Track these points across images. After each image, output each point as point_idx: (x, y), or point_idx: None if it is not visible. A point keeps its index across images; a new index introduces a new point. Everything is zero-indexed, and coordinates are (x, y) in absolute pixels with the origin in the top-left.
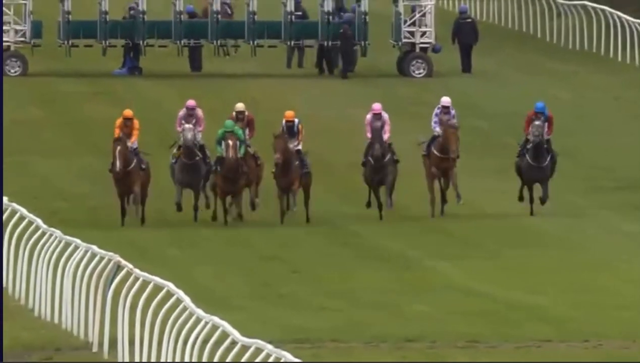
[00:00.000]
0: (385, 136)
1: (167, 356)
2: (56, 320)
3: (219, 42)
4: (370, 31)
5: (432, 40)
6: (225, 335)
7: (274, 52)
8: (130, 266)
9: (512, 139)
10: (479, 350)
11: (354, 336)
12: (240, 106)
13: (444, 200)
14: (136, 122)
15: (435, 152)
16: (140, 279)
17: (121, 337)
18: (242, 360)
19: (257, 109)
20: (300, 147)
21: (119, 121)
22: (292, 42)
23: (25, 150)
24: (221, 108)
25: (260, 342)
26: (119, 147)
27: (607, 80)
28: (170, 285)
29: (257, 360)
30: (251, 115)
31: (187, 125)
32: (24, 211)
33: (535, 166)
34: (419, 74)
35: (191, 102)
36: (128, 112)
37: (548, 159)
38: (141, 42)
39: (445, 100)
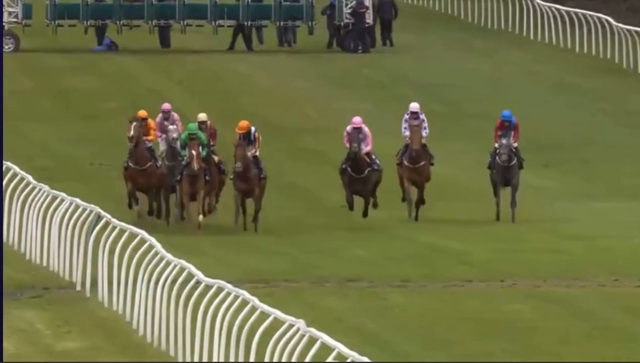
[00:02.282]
0: (367, 148)
1: (141, 294)
2: (45, 263)
3: (185, 22)
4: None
5: (370, 21)
6: (190, 276)
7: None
8: (109, 216)
9: (439, 106)
10: (410, 289)
11: (302, 277)
12: (202, 116)
13: (418, 205)
14: (151, 122)
15: (407, 163)
16: (118, 228)
17: (101, 278)
18: (206, 298)
19: (217, 80)
20: (257, 153)
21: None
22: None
23: (17, 116)
24: (188, 78)
25: (221, 282)
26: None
27: (522, 56)
28: (144, 233)
29: (218, 298)
30: (213, 126)
31: (171, 126)
32: (16, 168)
33: (505, 167)
34: (359, 50)
35: (166, 106)
36: (143, 113)
37: (515, 160)
38: (118, 22)
39: (414, 105)
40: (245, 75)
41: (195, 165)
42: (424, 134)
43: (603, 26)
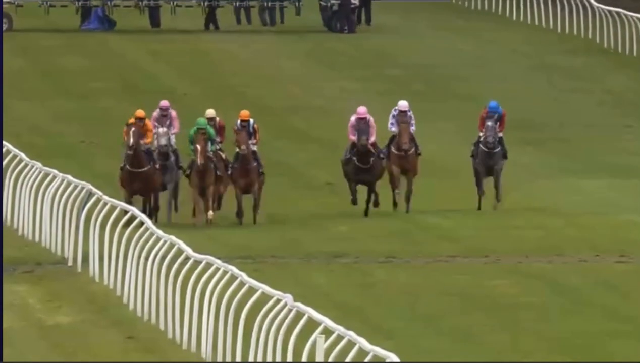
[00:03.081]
0: (372, 138)
1: (132, 269)
2: (37, 239)
3: (174, 2)
4: None
5: (356, 2)
6: (180, 251)
7: (221, 11)
8: (100, 193)
9: (423, 86)
10: (395, 264)
11: (290, 253)
12: (210, 112)
13: (408, 196)
14: (149, 123)
15: (394, 150)
16: (109, 204)
17: (92, 253)
18: (195, 273)
19: (206, 59)
20: (256, 148)
21: (132, 120)
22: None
23: (9, 94)
24: (177, 55)
25: (210, 258)
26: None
27: (505, 36)
28: (134, 209)
29: (207, 273)
30: (222, 122)
31: (160, 129)
32: (9, 146)
33: (488, 153)
34: (345, 30)
35: (164, 103)
36: (140, 113)
37: (499, 148)
38: (109, 2)
39: (403, 104)
40: (234, 54)
41: (200, 160)
42: (412, 129)
43: (584, 7)
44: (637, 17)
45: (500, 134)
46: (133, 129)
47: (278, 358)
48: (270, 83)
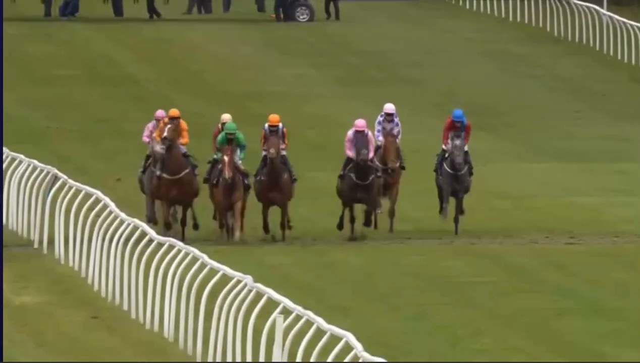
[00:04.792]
0: (370, 154)
1: (96, 251)
2: (4, 222)
3: None
4: None
5: None
6: (143, 234)
7: (181, 1)
8: (65, 177)
9: (379, 72)
10: (352, 245)
11: (249, 235)
12: (226, 117)
13: (391, 214)
14: (184, 123)
15: (377, 163)
16: (74, 188)
17: (58, 236)
18: (158, 255)
19: (169, 47)
20: (285, 153)
21: (162, 123)
22: None
23: None
24: (139, 43)
25: (172, 240)
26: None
27: (458, 25)
28: (99, 193)
29: (169, 255)
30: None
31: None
32: None
33: (454, 175)
34: (303, 19)
35: (160, 112)
36: (174, 112)
37: (466, 168)
38: None
39: (389, 107)
40: (195, 43)
41: (227, 173)
42: (397, 140)
43: None
44: (586, 6)
45: (466, 148)
46: (170, 125)
47: (238, 337)
48: (230, 69)
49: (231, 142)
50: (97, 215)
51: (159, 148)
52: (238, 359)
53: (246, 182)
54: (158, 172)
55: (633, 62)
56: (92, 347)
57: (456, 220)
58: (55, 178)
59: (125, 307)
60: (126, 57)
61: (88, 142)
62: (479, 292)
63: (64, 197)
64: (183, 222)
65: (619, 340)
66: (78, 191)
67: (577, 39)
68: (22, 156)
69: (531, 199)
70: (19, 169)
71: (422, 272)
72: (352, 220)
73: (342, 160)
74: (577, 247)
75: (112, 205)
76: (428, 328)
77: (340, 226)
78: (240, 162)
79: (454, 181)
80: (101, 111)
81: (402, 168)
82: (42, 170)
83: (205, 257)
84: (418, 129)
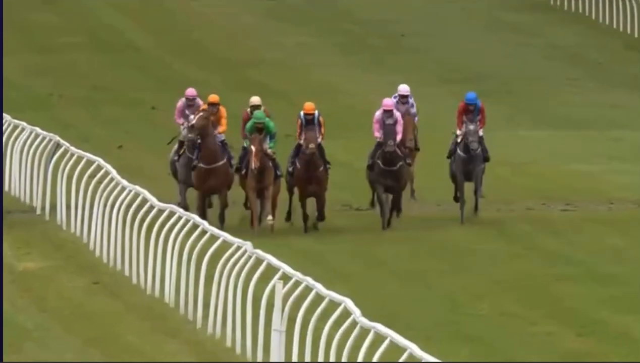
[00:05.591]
0: (398, 137)
1: (98, 217)
2: (6, 188)
3: None
4: None
5: None
6: (144, 200)
7: None
8: (67, 144)
9: (379, 41)
10: (351, 212)
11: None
12: (255, 100)
13: (392, 212)
14: (223, 110)
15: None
16: (75, 155)
17: (60, 202)
18: (159, 221)
19: (171, 15)
20: (321, 141)
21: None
22: None
23: None
24: (142, 13)
25: (173, 206)
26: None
27: None
28: (100, 160)
29: (170, 221)
30: (267, 111)
31: (192, 117)
32: None
33: (468, 157)
34: None
35: (191, 91)
36: (214, 97)
37: (479, 150)
38: None
39: (403, 88)
40: (197, 11)
41: (254, 163)
42: (414, 121)
43: None
44: None
45: (481, 133)
46: (201, 113)
47: (238, 303)
48: (231, 38)
49: (260, 131)
50: (99, 182)
51: (185, 134)
52: (238, 324)
53: (278, 173)
54: (195, 161)
55: (628, 30)
56: (93, 312)
57: (476, 207)
58: (57, 145)
59: (126, 273)
60: (129, 25)
61: (91, 109)
62: (476, 258)
63: (66, 164)
64: (221, 217)
65: (615, 306)
66: (80, 158)
67: (572, 8)
68: (24, 123)
69: (529, 166)
70: (21, 136)
71: (420, 239)
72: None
73: (369, 150)
74: (573, 213)
75: (114, 172)
76: (426, 294)
77: (383, 208)
78: (270, 150)
79: (468, 164)
80: (104, 79)
81: (417, 149)
82: (44, 138)
83: (205, 224)
84: (424, 97)
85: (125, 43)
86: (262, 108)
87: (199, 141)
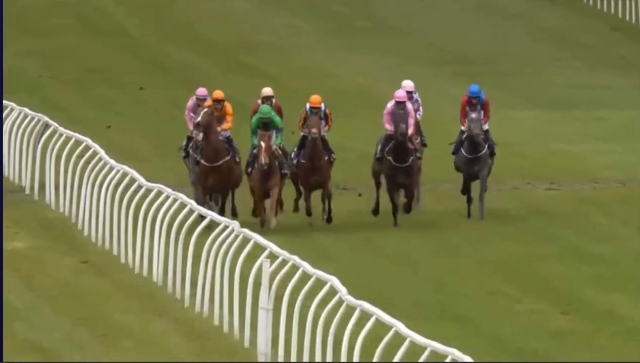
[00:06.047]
0: (410, 130)
1: (86, 197)
2: None
3: None
4: None
5: None
6: (132, 180)
7: None
8: (56, 125)
9: (365, 22)
10: (338, 192)
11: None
12: (267, 91)
13: (406, 208)
14: (228, 106)
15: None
16: (64, 136)
17: (48, 182)
18: (147, 201)
19: None
20: (326, 134)
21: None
22: None
23: None
24: None
25: (161, 186)
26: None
27: None
28: (88, 140)
29: (158, 201)
30: (278, 104)
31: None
32: None
33: (472, 158)
34: None
35: (202, 91)
36: (219, 93)
37: (486, 148)
38: None
39: (407, 84)
40: None
41: (263, 159)
42: (417, 116)
43: None
44: None
45: (486, 126)
46: (205, 109)
47: (226, 281)
48: (220, 21)
49: (266, 126)
50: (87, 162)
51: (193, 132)
52: (225, 302)
53: (283, 171)
54: (197, 158)
55: (612, 11)
56: (82, 291)
57: (481, 202)
58: (46, 126)
59: (114, 252)
60: (118, 7)
61: (80, 91)
62: (461, 238)
63: (55, 144)
64: (223, 211)
65: (600, 284)
66: (68, 138)
67: None
68: (13, 104)
69: (515, 146)
70: (10, 116)
71: (406, 219)
72: (395, 209)
73: (379, 140)
74: (558, 193)
75: (102, 152)
76: (412, 273)
77: (395, 208)
78: (275, 147)
79: (473, 165)
80: (93, 61)
81: (424, 145)
82: (33, 118)
83: (193, 203)
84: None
85: (115, 25)
86: (274, 100)
87: (201, 139)
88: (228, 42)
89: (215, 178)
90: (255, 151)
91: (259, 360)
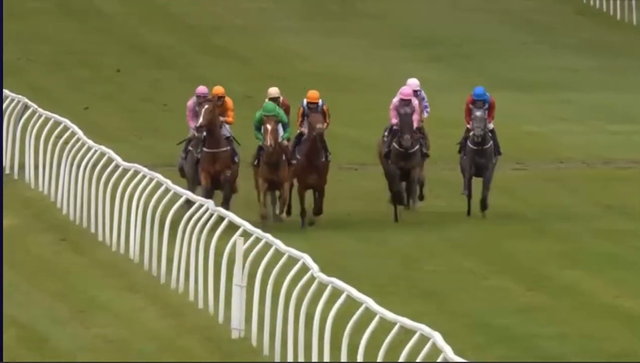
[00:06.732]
0: (415, 125)
1: (65, 176)
2: None
3: None
4: None
5: None
6: (110, 160)
7: None
8: (35, 106)
9: (335, 6)
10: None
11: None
12: (274, 91)
13: (409, 199)
14: (229, 101)
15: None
16: (43, 116)
17: (28, 162)
18: (124, 180)
19: None
20: (324, 131)
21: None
22: None
23: None
24: None
25: (137, 166)
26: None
27: None
28: (67, 121)
29: (135, 180)
30: (286, 102)
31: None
32: None
33: (476, 150)
34: None
35: (202, 89)
36: (219, 89)
37: (490, 142)
38: None
39: (413, 82)
40: None
41: (269, 140)
42: (425, 114)
43: None
44: None
45: (491, 126)
46: (206, 107)
47: (201, 259)
48: (194, 3)
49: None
50: (66, 142)
51: (195, 133)
52: (200, 279)
53: (293, 161)
54: (197, 156)
55: None
56: (61, 269)
57: (484, 204)
58: (26, 107)
59: (92, 230)
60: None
61: (58, 73)
62: (429, 217)
63: (34, 125)
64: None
65: (564, 261)
66: (47, 119)
67: None
68: None
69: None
70: None
71: (375, 197)
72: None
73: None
74: (525, 172)
75: (80, 133)
76: (382, 250)
77: (400, 198)
78: (284, 140)
79: (477, 157)
80: (71, 43)
81: (426, 155)
82: (12, 99)
83: (169, 182)
84: (382, 62)
85: (92, 8)
86: (281, 99)
87: (204, 135)
88: (202, 24)
89: (217, 164)
90: (261, 144)
91: (233, 336)
